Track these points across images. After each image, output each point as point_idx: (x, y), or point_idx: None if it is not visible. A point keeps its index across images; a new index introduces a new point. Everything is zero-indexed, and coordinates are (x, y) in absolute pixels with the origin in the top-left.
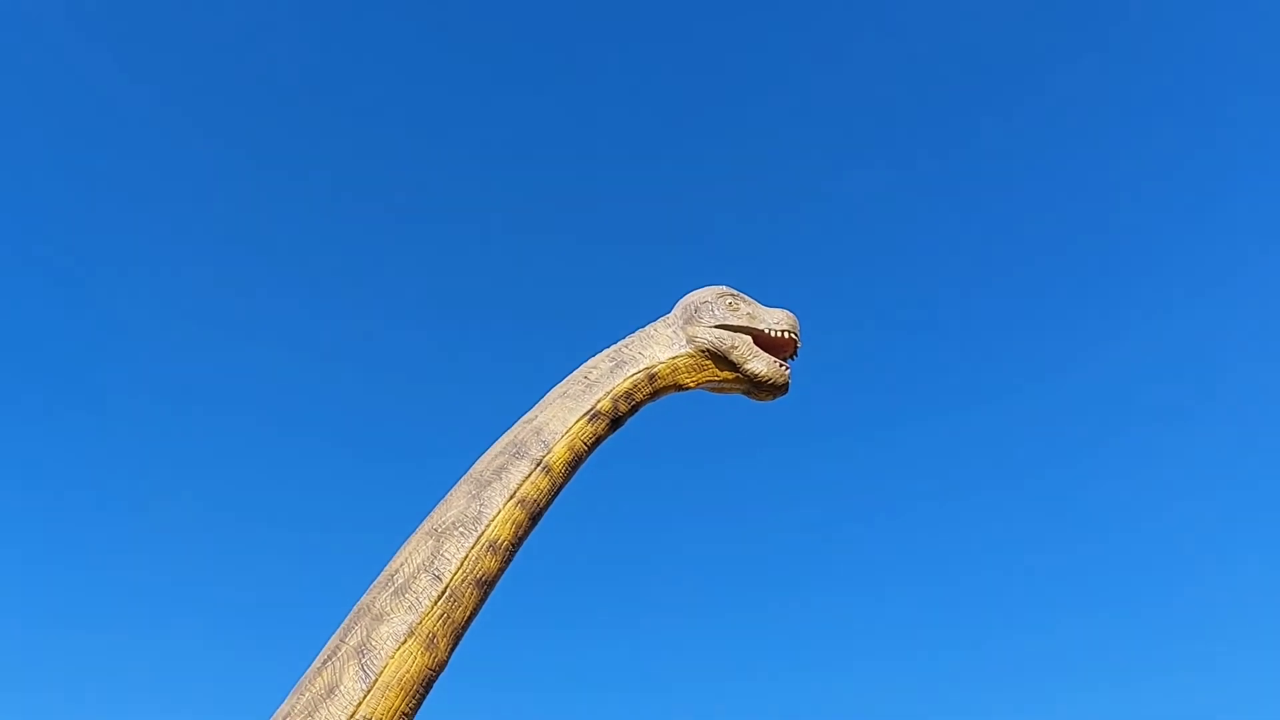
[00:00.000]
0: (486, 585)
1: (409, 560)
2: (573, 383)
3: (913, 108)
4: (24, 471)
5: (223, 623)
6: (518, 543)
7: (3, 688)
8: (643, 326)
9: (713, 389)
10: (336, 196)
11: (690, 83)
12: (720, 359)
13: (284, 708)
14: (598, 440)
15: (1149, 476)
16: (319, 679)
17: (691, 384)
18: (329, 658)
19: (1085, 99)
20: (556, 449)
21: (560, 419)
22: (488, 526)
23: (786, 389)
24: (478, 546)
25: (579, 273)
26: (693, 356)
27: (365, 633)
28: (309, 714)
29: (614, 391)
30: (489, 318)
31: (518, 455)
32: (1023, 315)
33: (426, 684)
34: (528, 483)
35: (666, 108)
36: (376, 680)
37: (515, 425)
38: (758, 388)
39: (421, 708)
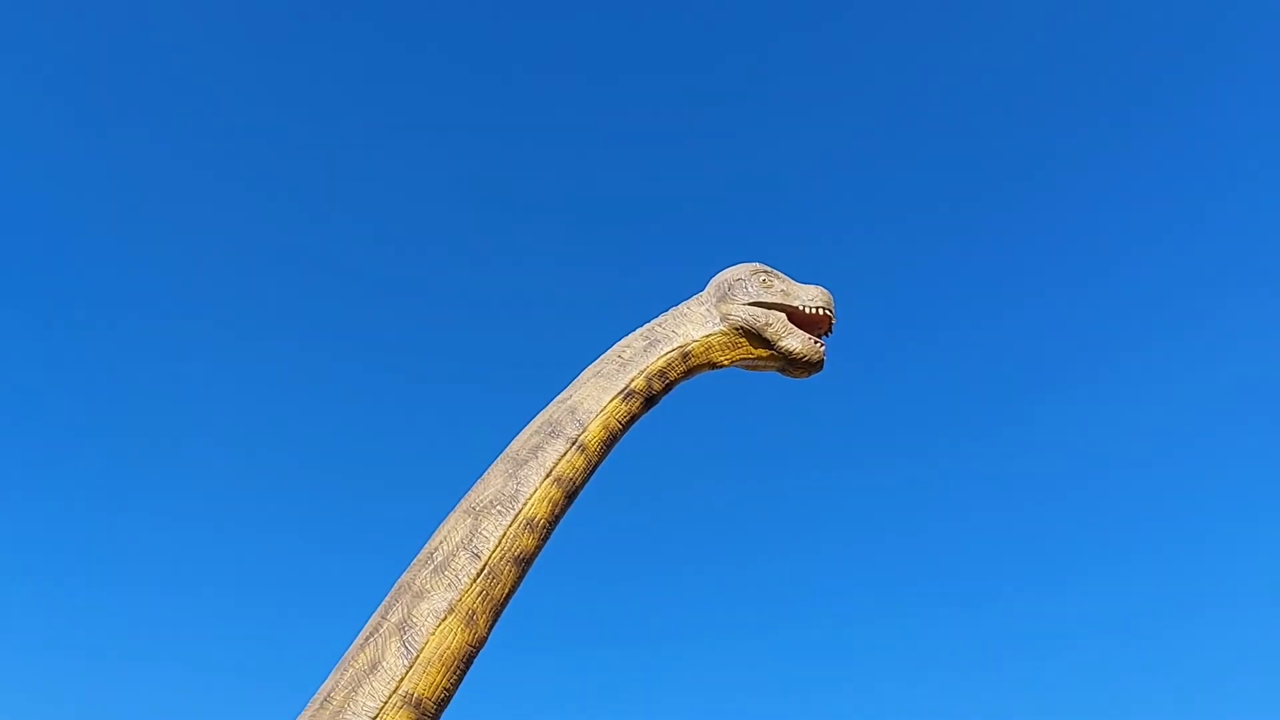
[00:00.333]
0: (524, 563)
1: (448, 538)
2: (606, 362)
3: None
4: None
5: (249, 615)
6: (554, 521)
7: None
8: (675, 305)
9: (747, 367)
10: (354, 185)
11: (721, 57)
12: (754, 336)
13: (327, 684)
14: (632, 419)
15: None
16: (362, 655)
17: (726, 362)
18: (371, 634)
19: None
20: (591, 428)
21: (595, 398)
22: (525, 505)
23: (821, 366)
24: (515, 524)
25: (609, 254)
26: (726, 334)
27: (406, 610)
28: (352, 690)
29: (648, 370)
30: (518, 304)
31: (553, 434)
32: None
33: (467, 660)
34: (563, 461)
35: (698, 84)
36: (418, 656)
37: (550, 405)
38: (792, 365)
39: (462, 683)
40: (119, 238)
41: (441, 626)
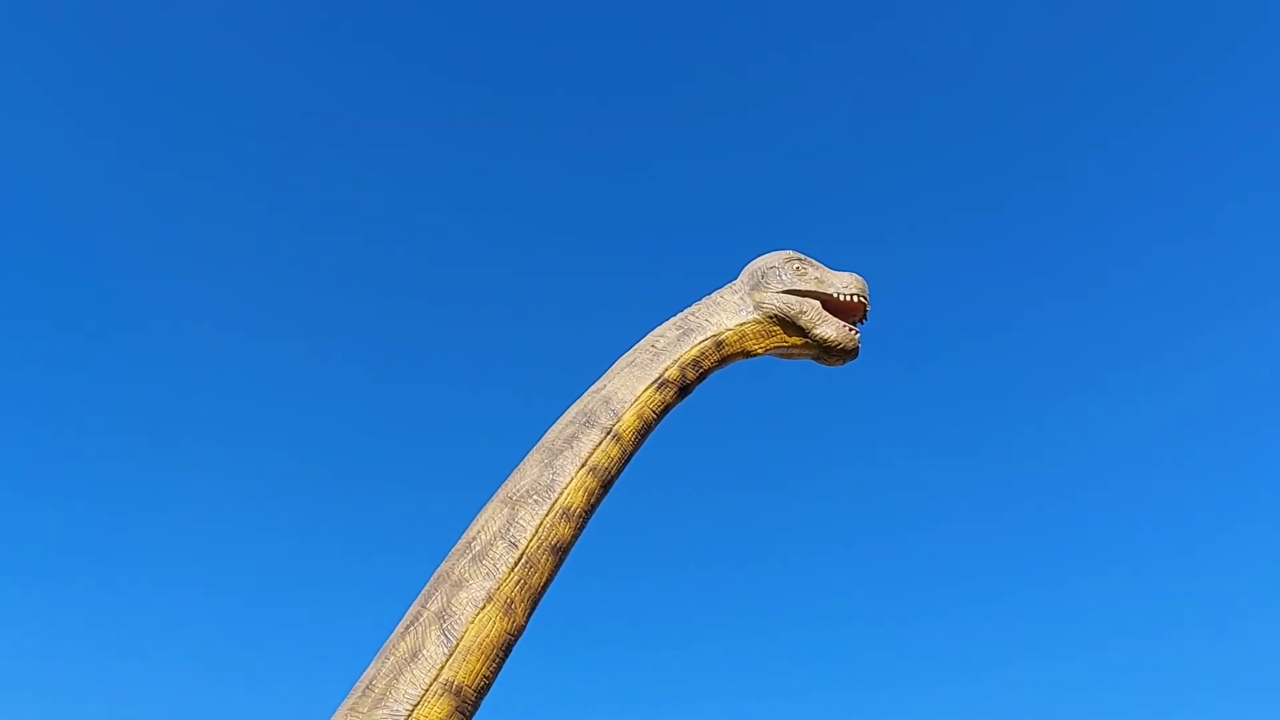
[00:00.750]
0: (561, 552)
1: (485, 528)
2: (640, 351)
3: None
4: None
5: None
6: (590, 510)
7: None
8: (709, 293)
9: (781, 355)
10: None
11: (757, 47)
12: (789, 324)
13: (369, 672)
14: (666, 408)
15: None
16: (402, 644)
17: (760, 350)
18: (411, 623)
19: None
20: (626, 417)
21: (629, 388)
22: (561, 494)
23: (856, 353)
24: (551, 514)
25: (638, 247)
26: (760, 323)
27: (445, 599)
28: (394, 678)
29: (681, 359)
30: (546, 298)
31: (588, 424)
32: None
33: (506, 648)
34: (598, 451)
35: (730, 74)
36: (458, 645)
37: (585, 395)
38: (827, 353)
39: (501, 671)
40: (135, 241)
41: (480, 615)
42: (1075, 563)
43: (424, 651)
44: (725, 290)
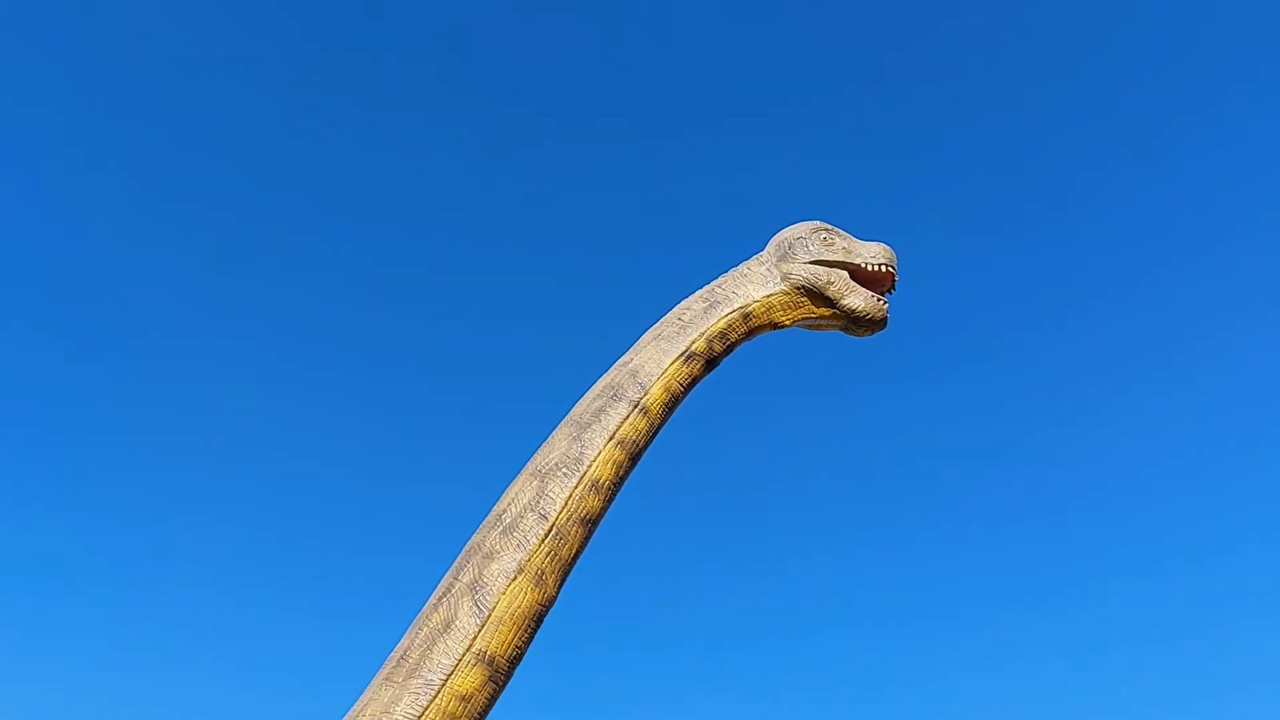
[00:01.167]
0: (591, 524)
1: (516, 500)
2: (667, 324)
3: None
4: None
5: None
6: (619, 482)
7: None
8: (735, 265)
9: (809, 326)
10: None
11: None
12: (816, 295)
13: (403, 643)
14: (693, 381)
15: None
16: (435, 615)
17: (787, 322)
18: (444, 594)
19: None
20: (653, 390)
21: (655, 361)
22: (589, 467)
23: (885, 324)
24: (581, 486)
25: (666, 222)
26: (788, 294)
27: (477, 570)
28: (427, 648)
29: (708, 332)
30: (562, 288)
31: (615, 397)
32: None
33: (537, 619)
34: (626, 424)
35: (765, 45)
36: (490, 615)
37: (612, 368)
38: (855, 323)
39: (533, 642)
40: (149, 246)
41: (512, 586)
42: (1094, 562)
43: (457, 622)
44: (752, 261)
